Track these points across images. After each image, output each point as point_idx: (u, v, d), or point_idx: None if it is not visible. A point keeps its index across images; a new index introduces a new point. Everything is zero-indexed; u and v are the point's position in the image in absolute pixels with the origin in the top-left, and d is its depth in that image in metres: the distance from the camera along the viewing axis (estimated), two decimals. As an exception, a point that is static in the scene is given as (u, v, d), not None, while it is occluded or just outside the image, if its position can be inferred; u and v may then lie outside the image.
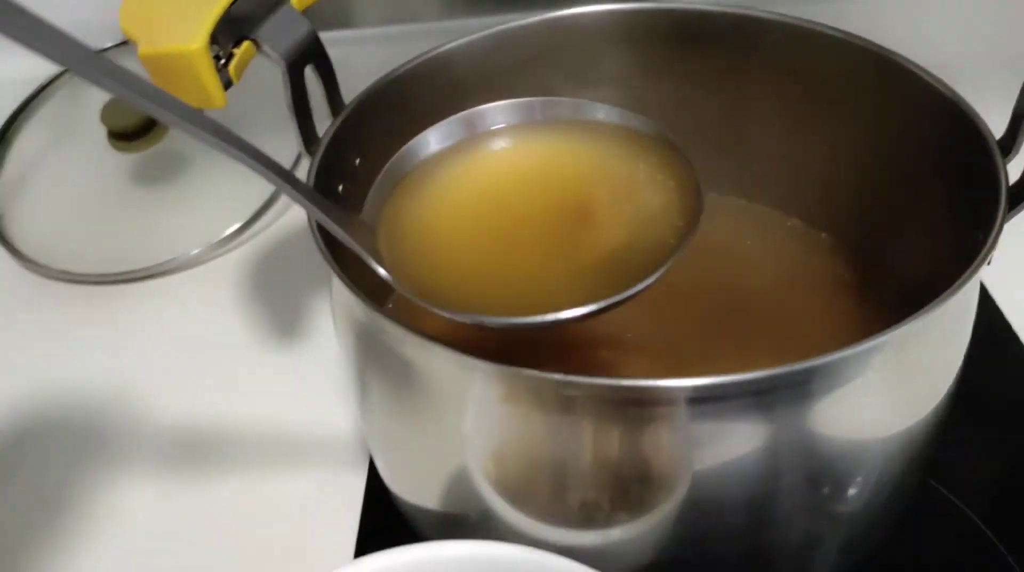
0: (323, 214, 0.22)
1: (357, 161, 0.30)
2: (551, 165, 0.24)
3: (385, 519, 0.32)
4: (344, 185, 0.29)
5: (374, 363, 0.25)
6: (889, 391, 0.24)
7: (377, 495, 0.33)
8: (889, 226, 0.34)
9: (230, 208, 0.46)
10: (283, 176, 0.21)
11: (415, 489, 0.28)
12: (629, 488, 0.22)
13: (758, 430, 0.21)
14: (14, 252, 0.45)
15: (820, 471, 0.23)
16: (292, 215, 0.47)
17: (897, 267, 0.33)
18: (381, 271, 0.22)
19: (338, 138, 0.28)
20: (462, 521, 0.26)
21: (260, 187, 0.46)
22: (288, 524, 0.33)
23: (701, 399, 0.19)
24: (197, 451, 0.37)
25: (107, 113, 0.44)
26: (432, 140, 0.25)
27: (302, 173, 0.46)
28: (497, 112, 0.26)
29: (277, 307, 0.43)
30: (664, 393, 0.19)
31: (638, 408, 0.20)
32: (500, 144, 0.25)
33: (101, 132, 0.46)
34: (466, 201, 0.24)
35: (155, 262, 0.44)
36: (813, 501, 0.24)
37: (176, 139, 0.47)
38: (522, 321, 0.20)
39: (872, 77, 0.30)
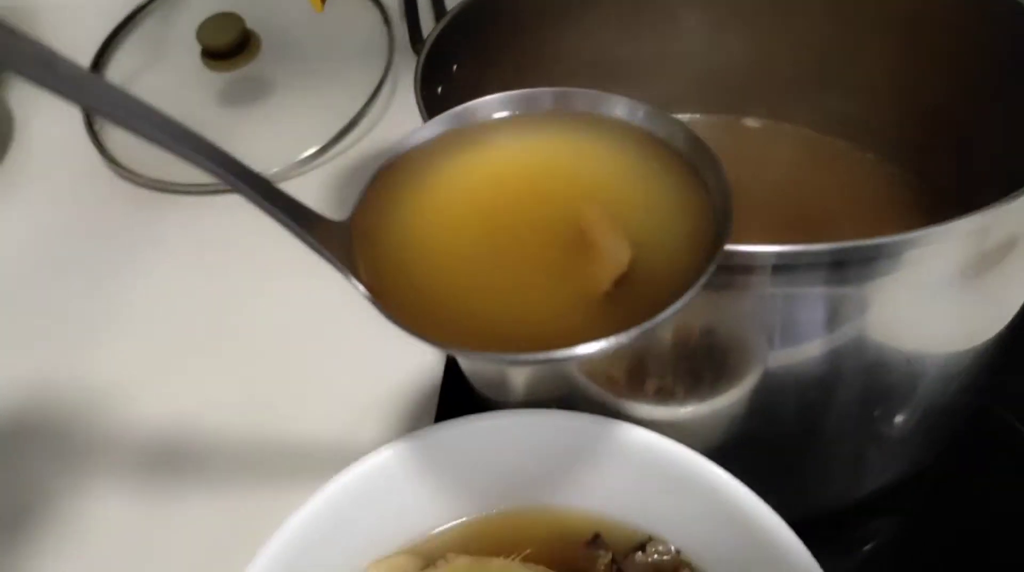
0: (290, 220, 0.20)
1: (454, 67, 0.33)
2: (558, 170, 0.22)
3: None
4: (443, 87, 0.32)
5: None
6: (957, 292, 0.25)
7: (455, 395, 0.36)
8: (970, 163, 0.35)
9: (311, 130, 0.50)
10: (245, 180, 0.19)
11: (498, 381, 0.31)
12: (710, 356, 0.24)
13: (830, 304, 0.23)
14: (111, 161, 0.49)
15: (885, 362, 0.25)
16: (369, 140, 0.50)
17: (975, 205, 0.35)
18: (355, 284, 0.20)
19: (440, 41, 0.31)
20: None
21: (340, 112, 0.50)
22: (364, 415, 0.37)
23: (783, 266, 0.22)
24: (273, 350, 0.40)
25: (203, 31, 0.47)
26: (426, 134, 0.23)
27: (382, 100, 0.51)
28: (501, 105, 0.23)
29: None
30: (751, 259, 0.21)
31: (724, 274, 0.22)
32: (500, 143, 0.23)
33: (194, 52, 0.50)
34: (459, 209, 0.22)
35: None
36: (873, 393, 0.26)
37: (264, 63, 0.51)
38: (516, 357, 0.19)
39: (959, 6, 0.32)
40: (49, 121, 0.54)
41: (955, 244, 0.23)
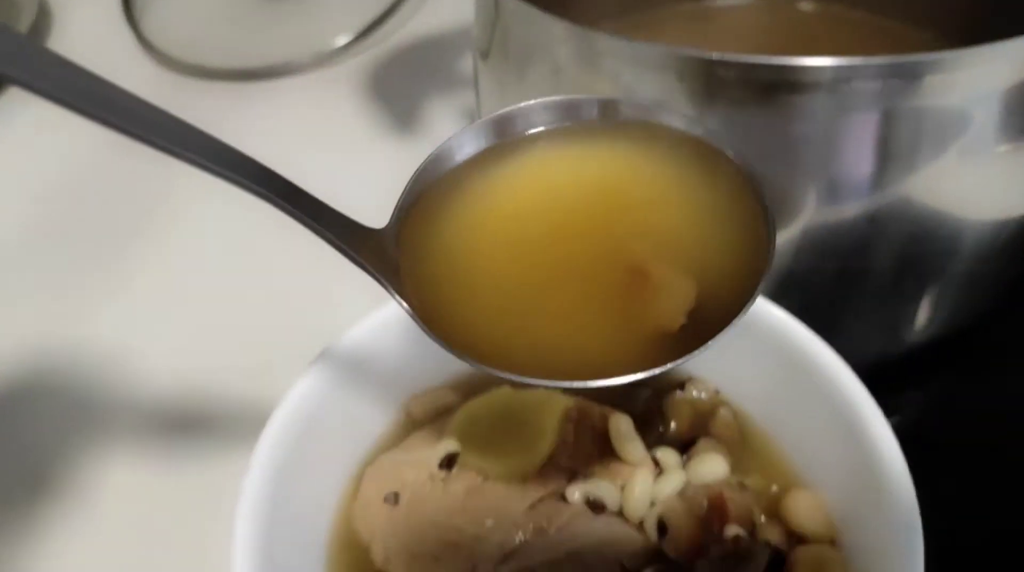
0: (329, 233, 0.20)
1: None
2: (609, 187, 0.22)
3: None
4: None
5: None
6: (1008, 153, 0.25)
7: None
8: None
9: (345, 19, 0.50)
10: (284, 195, 0.19)
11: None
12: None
13: (883, 125, 0.23)
14: (149, 47, 0.50)
15: (931, 208, 0.26)
16: (406, 31, 0.51)
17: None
18: (399, 301, 0.20)
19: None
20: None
21: (374, 3, 0.50)
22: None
23: (840, 80, 0.22)
24: (290, 295, 0.38)
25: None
26: (468, 144, 0.22)
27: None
28: (546, 112, 0.22)
29: (387, 109, 0.47)
30: (809, 73, 0.22)
31: (782, 94, 0.22)
32: (546, 159, 0.22)
33: (232, -63, 0.50)
34: (507, 228, 0.21)
35: (275, 63, 0.48)
36: (918, 240, 0.27)
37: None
38: (560, 384, 0.19)
39: None
40: (86, 12, 0.55)
41: (1006, 66, 0.23)
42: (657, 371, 0.19)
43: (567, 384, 0.19)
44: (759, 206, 0.20)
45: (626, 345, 0.19)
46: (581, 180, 0.22)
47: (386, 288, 0.20)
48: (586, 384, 0.19)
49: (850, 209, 0.25)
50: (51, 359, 0.36)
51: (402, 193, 0.21)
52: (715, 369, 0.26)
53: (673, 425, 0.26)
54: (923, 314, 0.29)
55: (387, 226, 0.21)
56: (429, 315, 0.20)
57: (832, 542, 0.23)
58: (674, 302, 0.19)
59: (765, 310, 0.25)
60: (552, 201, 0.22)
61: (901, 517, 0.21)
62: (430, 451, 0.25)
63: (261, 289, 0.38)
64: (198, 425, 0.34)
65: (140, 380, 0.35)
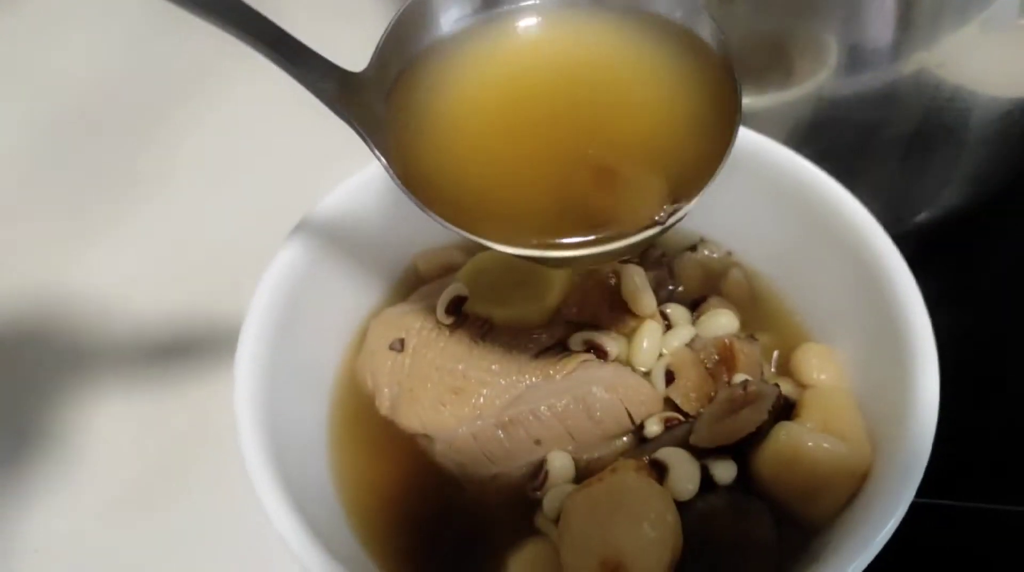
0: (324, 94, 0.20)
1: None
2: (585, 62, 0.22)
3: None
4: None
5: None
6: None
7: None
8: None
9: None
10: (267, 39, 0.19)
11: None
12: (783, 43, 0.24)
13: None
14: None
15: (952, 81, 0.25)
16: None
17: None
18: (377, 155, 0.20)
19: None
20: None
21: None
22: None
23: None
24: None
25: None
26: (455, 12, 0.22)
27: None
28: None
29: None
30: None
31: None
32: (531, 30, 0.22)
33: None
34: (486, 96, 0.21)
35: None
36: (935, 104, 0.26)
37: None
38: (523, 252, 0.19)
39: None
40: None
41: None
42: (636, 238, 0.19)
43: (543, 253, 0.19)
44: (731, 83, 0.20)
45: (609, 222, 0.20)
46: (567, 63, 0.22)
47: (363, 139, 0.20)
48: (565, 254, 0.19)
49: (869, 72, 0.25)
50: (37, 303, 0.35)
51: (382, 36, 0.21)
52: (729, 230, 0.26)
53: (683, 285, 0.26)
54: (929, 189, 0.29)
55: (367, 68, 0.20)
56: (417, 182, 0.20)
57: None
58: (651, 197, 0.20)
59: (791, 160, 0.24)
60: (539, 83, 0.22)
61: (921, 369, 0.21)
62: (436, 300, 0.25)
63: (250, 214, 0.36)
64: (186, 350, 0.33)
65: (125, 316, 0.34)
